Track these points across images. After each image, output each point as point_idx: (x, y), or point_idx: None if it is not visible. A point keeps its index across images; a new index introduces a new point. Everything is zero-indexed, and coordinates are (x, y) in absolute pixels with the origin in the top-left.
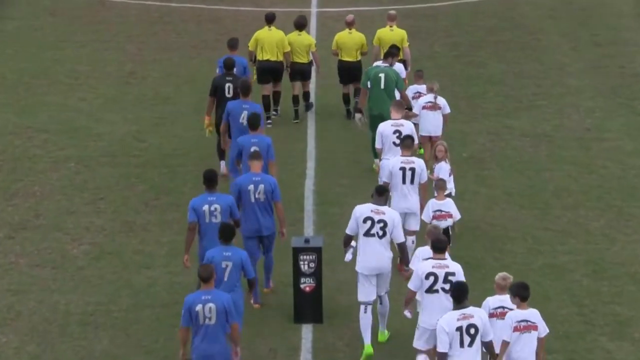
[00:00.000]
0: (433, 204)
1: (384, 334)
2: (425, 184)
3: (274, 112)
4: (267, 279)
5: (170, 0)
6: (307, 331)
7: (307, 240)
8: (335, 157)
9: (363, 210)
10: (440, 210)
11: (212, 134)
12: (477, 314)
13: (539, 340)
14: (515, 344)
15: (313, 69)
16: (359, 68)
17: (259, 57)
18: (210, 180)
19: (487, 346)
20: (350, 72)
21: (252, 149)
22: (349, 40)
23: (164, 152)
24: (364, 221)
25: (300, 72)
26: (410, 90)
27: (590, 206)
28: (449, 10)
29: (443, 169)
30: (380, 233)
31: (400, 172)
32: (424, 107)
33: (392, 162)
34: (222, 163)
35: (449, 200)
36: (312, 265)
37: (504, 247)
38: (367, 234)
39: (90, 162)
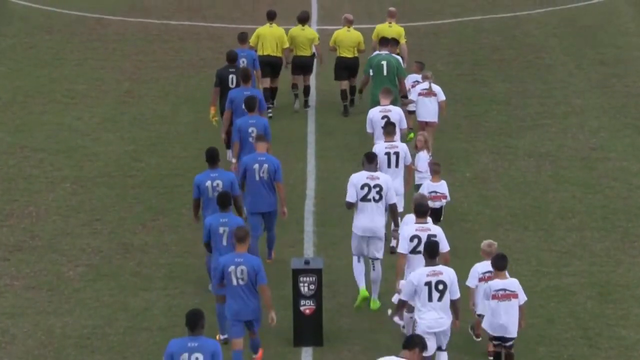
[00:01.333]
0: (429, 185)
1: (375, 302)
2: (410, 165)
3: (272, 105)
4: (270, 251)
5: (168, 18)
6: (306, 354)
7: (307, 262)
8: (336, 178)
9: (360, 177)
10: (436, 192)
11: (219, 123)
12: (447, 272)
13: (520, 308)
14: (497, 312)
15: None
16: (357, 64)
17: (260, 52)
18: (212, 157)
19: (454, 304)
20: (347, 68)
21: (250, 129)
22: (347, 37)
23: (161, 172)
24: (362, 187)
25: (303, 65)
26: (409, 79)
27: (595, 227)
28: (452, 28)
29: (422, 159)
30: (377, 197)
31: (386, 157)
32: (419, 94)
33: (377, 148)
34: (229, 152)
35: (443, 182)
36: (312, 287)
37: (508, 269)
38: (365, 199)
39: (86, 183)
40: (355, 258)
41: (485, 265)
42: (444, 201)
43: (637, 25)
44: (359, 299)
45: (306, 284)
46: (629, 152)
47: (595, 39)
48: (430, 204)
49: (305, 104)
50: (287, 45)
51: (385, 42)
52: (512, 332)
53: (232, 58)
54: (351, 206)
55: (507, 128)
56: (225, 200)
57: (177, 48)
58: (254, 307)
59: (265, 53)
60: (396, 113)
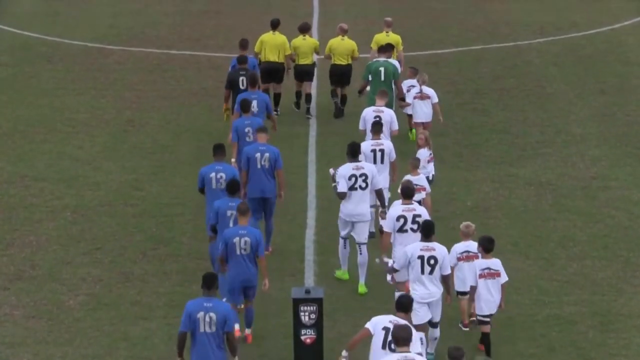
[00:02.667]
0: (409, 179)
1: (362, 287)
2: (394, 161)
3: (275, 112)
4: (268, 242)
5: (169, 48)
6: None
7: (307, 291)
8: (337, 207)
9: (347, 169)
10: (416, 185)
11: (228, 117)
12: (439, 249)
13: (502, 287)
14: (483, 289)
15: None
16: (349, 71)
17: (263, 59)
18: (219, 150)
19: (444, 279)
20: (341, 75)
21: (246, 129)
22: (341, 45)
23: (162, 201)
24: (349, 178)
25: (306, 73)
26: (405, 84)
27: (597, 256)
28: (452, 58)
29: (423, 155)
30: (363, 185)
31: (372, 153)
32: (414, 98)
33: (364, 145)
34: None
35: (422, 176)
36: (312, 316)
37: (509, 298)
38: (352, 188)
39: (87, 212)
40: (341, 242)
41: (464, 246)
42: (423, 193)
43: (637, 54)
44: (338, 274)
45: (307, 313)
46: (630, 181)
47: (596, 68)
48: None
49: (307, 111)
50: (289, 52)
51: (383, 49)
52: (492, 309)
53: (242, 61)
54: (343, 196)
55: (508, 157)
56: (234, 186)
57: (178, 77)
58: (253, 274)
59: (267, 59)
60: (388, 114)
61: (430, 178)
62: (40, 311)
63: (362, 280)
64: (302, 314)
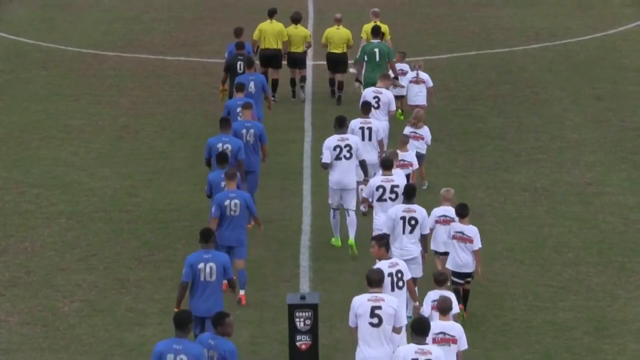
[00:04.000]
0: (398, 154)
1: (352, 241)
2: (381, 140)
3: (273, 98)
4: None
5: (164, 54)
6: None
7: (303, 297)
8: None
9: (332, 140)
10: (404, 160)
11: (224, 97)
12: (419, 211)
13: (475, 252)
14: (456, 252)
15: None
16: (345, 59)
17: (261, 46)
18: (226, 123)
19: (423, 238)
20: (337, 62)
21: (238, 109)
22: (337, 34)
23: (157, 207)
24: (334, 149)
25: (297, 61)
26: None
27: (592, 262)
28: (447, 64)
29: (407, 131)
30: (348, 155)
31: (360, 131)
32: (410, 82)
33: (353, 123)
34: None
35: (411, 152)
36: (308, 322)
37: (504, 304)
38: (337, 158)
39: (82, 218)
40: (332, 213)
41: (442, 210)
42: (410, 169)
43: (631, 60)
44: (332, 241)
45: (302, 319)
46: (625, 186)
47: (591, 74)
48: (400, 171)
49: (301, 89)
50: (286, 38)
51: (376, 32)
52: (469, 267)
53: (240, 46)
54: (327, 166)
55: (503, 163)
56: (223, 159)
57: (173, 83)
58: (243, 233)
59: (266, 46)
60: (386, 96)
61: (423, 152)
62: (35, 317)
63: (351, 236)
64: (297, 320)
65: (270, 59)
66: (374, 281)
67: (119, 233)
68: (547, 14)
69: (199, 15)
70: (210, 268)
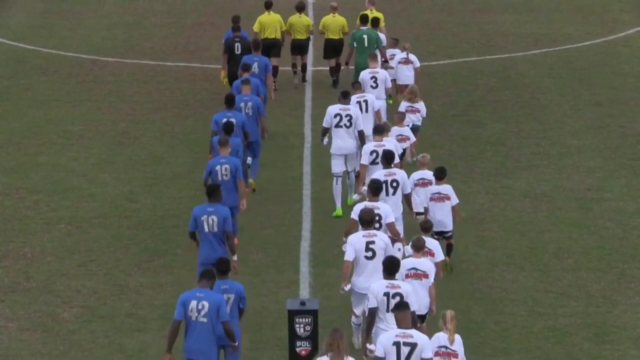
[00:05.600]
0: (395, 130)
1: (351, 199)
2: (378, 111)
3: (274, 83)
4: (254, 174)
5: (164, 59)
6: None
7: (302, 303)
8: (332, 219)
9: (334, 108)
10: (401, 135)
11: (228, 84)
12: (399, 173)
13: (453, 208)
14: (434, 210)
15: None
16: (342, 45)
17: (262, 36)
18: (230, 100)
19: (406, 197)
20: (334, 48)
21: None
22: (333, 22)
23: (157, 213)
24: (335, 116)
25: (300, 47)
26: (387, 53)
27: (591, 268)
28: (447, 70)
29: (402, 107)
30: (348, 124)
31: (357, 104)
32: (399, 63)
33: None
34: None
35: (407, 128)
36: (308, 328)
37: (504, 310)
38: (337, 125)
39: (82, 224)
40: (334, 180)
41: (420, 174)
42: (408, 142)
43: (631, 66)
44: (334, 214)
45: (302, 325)
46: (625, 192)
47: (590, 79)
48: (391, 138)
49: (303, 79)
50: (284, 28)
51: (364, 19)
52: (448, 226)
53: (237, 28)
54: (326, 131)
55: (503, 169)
56: (229, 129)
57: (173, 89)
58: (235, 197)
59: (266, 36)
60: (382, 74)
61: (418, 123)
62: (34, 323)
63: (350, 196)
64: (297, 325)
65: (270, 47)
66: (366, 221)
67: (119, 239)
68: (547, 19)
69: (199, 21)
70: (213, 220)
